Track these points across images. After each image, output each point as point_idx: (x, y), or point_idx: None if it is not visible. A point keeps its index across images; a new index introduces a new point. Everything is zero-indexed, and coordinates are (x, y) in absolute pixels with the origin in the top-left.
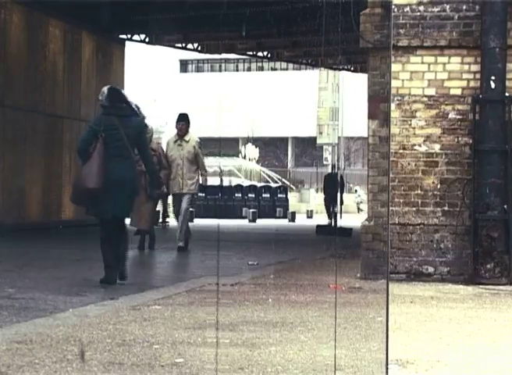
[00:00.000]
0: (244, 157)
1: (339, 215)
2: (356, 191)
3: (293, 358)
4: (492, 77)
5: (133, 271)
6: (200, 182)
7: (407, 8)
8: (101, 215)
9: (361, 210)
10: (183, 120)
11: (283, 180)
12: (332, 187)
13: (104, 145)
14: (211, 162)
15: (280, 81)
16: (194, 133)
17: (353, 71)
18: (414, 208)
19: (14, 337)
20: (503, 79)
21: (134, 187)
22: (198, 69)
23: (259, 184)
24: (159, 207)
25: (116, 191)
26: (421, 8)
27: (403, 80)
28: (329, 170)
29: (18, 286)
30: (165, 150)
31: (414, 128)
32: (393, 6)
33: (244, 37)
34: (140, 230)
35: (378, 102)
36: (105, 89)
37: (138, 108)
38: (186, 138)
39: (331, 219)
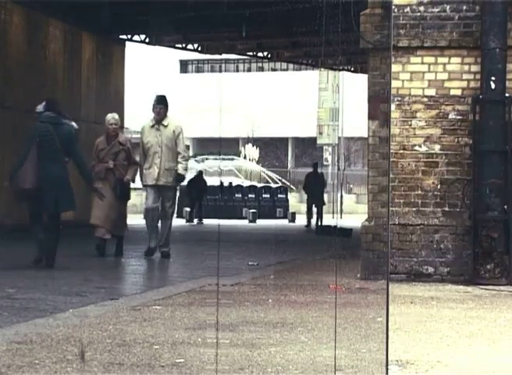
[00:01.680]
0: (245, 157)
1: (338, 215)
2: None
3: (293, 359)
4: (492, 78)
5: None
6: (180, 171)
7: (407, 9)
8: (41, 210)
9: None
10: (161, 103)
11: (283, 180)
12: (314, 187)
13: (40, 149)
14: (211, 163)
15: (280, 81)
16: (174, 118)
17: (353, 71)
18: (414, 209)
19: (14, 338)
20: (503, 79)
21: (67, 186)
22: (198, 70)
23: (259, 185)
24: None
25: (51, 189)
26: (421, 8)
27: (403, 81)
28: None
29: (18, 286)
30: (140, 137)
31: (414, 128)
32: (393, 7)
33: (244, 37)
34: (115, 235)
35: (379, 103)
36: (45, 101)
37: (68, 118)
38: (165, 123)
39: (310, 220)
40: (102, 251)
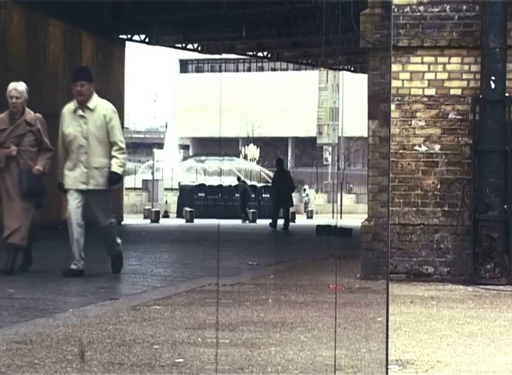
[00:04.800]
0: (245, 157)
1: (338, 215)
2: (304, 189)
3: (293, 359)
4: (492, 77)
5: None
6: (115, 169)
7: (407, 9)
8: None
9: (309, 211)
10: (83, 78)
11: None
12: (280, 186)
13: None
14: (211, 163)
15: (280, 81)
16: (103, 100)
17: (353, 71)
18: (414, 209)
19: (14, 337)
20: (503, 79)
21: None
22: (198, 70)
23: (259, 184)
24: None
25: None
26: (421, 8)
27: (403, 81)
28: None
29: (18, 286)
30: (60, 125)
31: (414, 128)
32: (393, 6)
33: (244, 37)
34: (11, 244)
35: (378, 102)
36: None
37: None
38: (91, 105)
39: (276, 221)
40: (10, 267)
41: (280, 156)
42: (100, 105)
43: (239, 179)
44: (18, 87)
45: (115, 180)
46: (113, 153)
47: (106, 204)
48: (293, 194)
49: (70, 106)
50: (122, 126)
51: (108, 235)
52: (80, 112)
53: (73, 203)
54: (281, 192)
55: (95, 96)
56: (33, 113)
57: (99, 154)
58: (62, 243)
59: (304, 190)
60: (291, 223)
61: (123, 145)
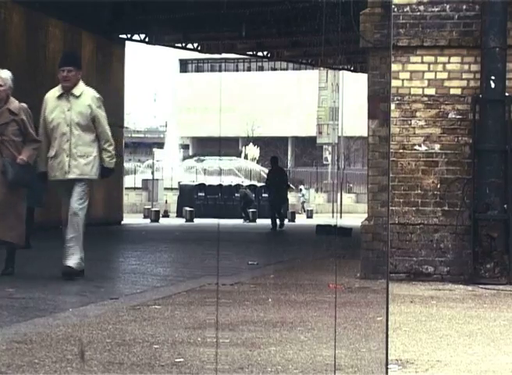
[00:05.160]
0: (245, 157)
1: (338, 215)
2: (301, 189)
3: (293, 358)
4: (492, 77)
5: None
6: (107, 165)
7: (407, 8)
8: None
9: (305, 210)
10: (70, 63)
11: None
12: (275, 185)
13: None
14: (210, 162)
15: (280, 81)
16: (89, 88)
17: (353, 71)
18: (414, 208)
19: (14, 337)
20: (503, 79)
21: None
22: (198, 69)
23: (259, 184)
24: None
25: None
26: (421, 7)
27: (403, 80)
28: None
29: (18, 286)
30: (42, 111)
31: (413, 128)
32: (393, 6)
33: (244, 36)
34: (8, 243)
35: (378, 102)
36: None
37: None
38: (76, 92)
39: (275, 222)
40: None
41: (276, 154)
42: (85, 93)
43: (240, 186)
44: (2, 74)
45: (107, 174)
46: (103, 146)
47: (83, 193)
48: (292, 194)
49: (55, 92)
50: (122, 126)
51: (76, 221)
52: (65, 98)
53: (66, 197)
54: (277, 190)
55: (81, 83)
56: (17, 102)
57: (83, 142)
58: (62, 242)
59: (300, 190)
60: (291, 223)
61: (110, 136)
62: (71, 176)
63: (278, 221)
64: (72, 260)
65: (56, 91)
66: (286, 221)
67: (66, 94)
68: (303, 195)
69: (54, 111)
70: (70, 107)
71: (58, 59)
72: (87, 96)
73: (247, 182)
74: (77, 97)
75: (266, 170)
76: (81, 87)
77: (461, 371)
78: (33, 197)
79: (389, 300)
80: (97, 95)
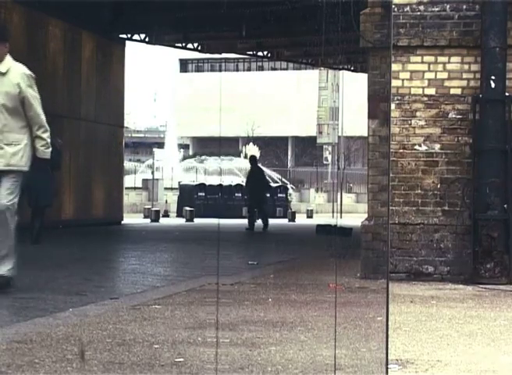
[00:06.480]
0: (246, 157)
1: (338, 214)
2: (287, 189)
3: (293, 358)
4: (492, 77)
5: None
6: (42, 155)
7: (407, 8)
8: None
9: (290, 210)
10: None
11: (283, 179)
12: (258, 184)
13: None
14: (210, 162)
15: (280, 81)
16: (19, 64)
17: (353, 71)
18: (414, 208)
19: (14, 337)
20: (503, 78)
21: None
22: (198, 69)
23: None
24: None
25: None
26: (421, 7)
27: (403, 80)
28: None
29: (18, 286)
30: None
31: (414, 128)
32: (393, 6)
33: (244, 36)
34: None
35: (378, 102)
36: None
37: None
38: (2, 68)
39: (253, 223)
40: None
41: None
42: (13, 70)
43: (240, 186)
44: None
45: (42, 165)
46: (36, 133)
47: (13, 185)
48: (292, 194)
49: None
50: (122, 126)
51: (1, 221)
52: None
53: None
54: (255, 190)
55: (9, 58)
56: None
57: (11, 128)
58: (62, 242)
59: (286, 189)
60: (291, 223)
61: (44, 121)
62: None
63: (261, 222)
64: (3, 267)
65: None
66: (286, 221)
67: None
68: (289, 195)
69: None
70: None
71: (58, 59)
72: (15, 73)
73: None
74: (3, 74)
75: (266, 170)
76: (8, 63)
77: (461, 371)
78: (46, 197)
79: (389, 300)
80: (28, 72)
